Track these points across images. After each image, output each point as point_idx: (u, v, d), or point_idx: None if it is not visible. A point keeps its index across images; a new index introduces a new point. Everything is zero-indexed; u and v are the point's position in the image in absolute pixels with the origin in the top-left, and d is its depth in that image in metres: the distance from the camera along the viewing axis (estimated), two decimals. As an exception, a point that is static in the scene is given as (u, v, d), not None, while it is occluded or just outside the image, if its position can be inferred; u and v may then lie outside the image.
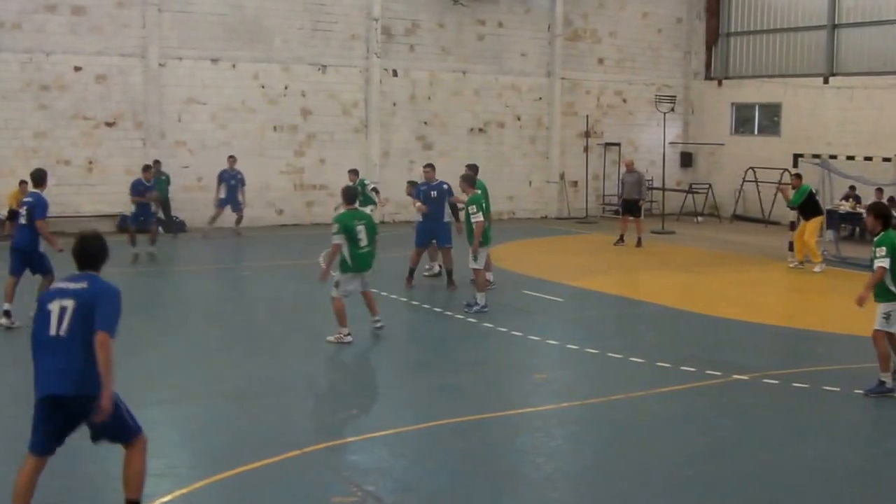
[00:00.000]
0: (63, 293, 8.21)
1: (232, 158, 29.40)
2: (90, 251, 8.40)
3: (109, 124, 29.93)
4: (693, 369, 14.35)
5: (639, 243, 28.73)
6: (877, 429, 12.13)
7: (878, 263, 12.94)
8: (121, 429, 8.45)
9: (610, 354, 15.36)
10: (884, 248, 12.94)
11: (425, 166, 22.22)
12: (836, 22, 35.43)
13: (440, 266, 22.09)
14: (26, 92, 28.81)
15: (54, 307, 8.11)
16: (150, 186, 25.67)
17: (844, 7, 35.25)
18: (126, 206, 29.08)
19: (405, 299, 19.91)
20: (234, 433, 11.41)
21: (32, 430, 8.29)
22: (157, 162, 29.23)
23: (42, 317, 8.14)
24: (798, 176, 26.05)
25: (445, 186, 21.48)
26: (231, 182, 29.13)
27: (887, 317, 13.12)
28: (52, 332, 8.04)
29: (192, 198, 30.78)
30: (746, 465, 10.56)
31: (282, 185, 32.45)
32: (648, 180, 38.03)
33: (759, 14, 38.67)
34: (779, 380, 13.91)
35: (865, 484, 10.29)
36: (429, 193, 21.35)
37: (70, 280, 8.33)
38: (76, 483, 9.75)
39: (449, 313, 18.54)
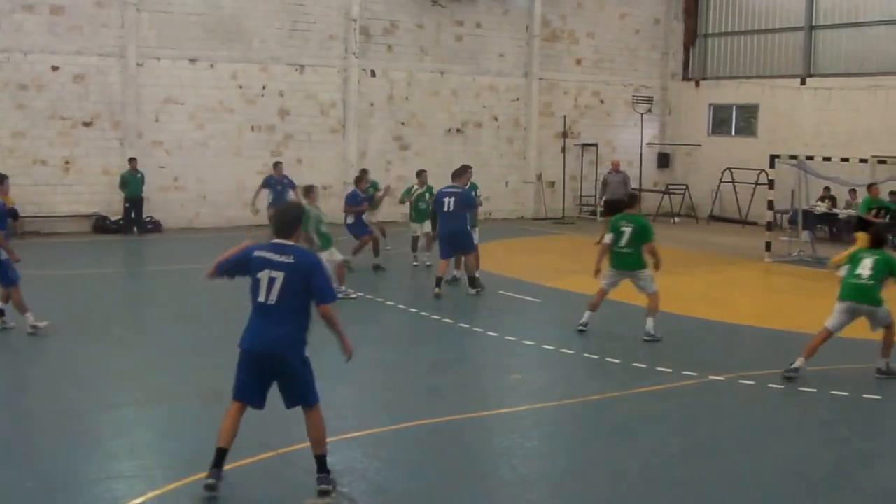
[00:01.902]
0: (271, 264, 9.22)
1: (279, 165, 28.82)
2: (286, 219, 9.43)
3: (87, 124, 29.83)
4: (669, 370, 14.38)
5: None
6: (852, 429, 12.16)
7: None
8: (309, 393, 9.68)
9: (586, 355, 15.41)
10: None
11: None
12: (814, 23, 35.61)
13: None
14: (3, 91, 28.70)
15: (263, 276, 9.23)
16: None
17: (822, 9, 35.42)
18: (101, 207, 29.14)
19: (380, 299, 19.89)
20: (208, 434, 11.34)
21: (235, 378, 9.74)
22: (132, 160, 29.20)
23: (253, 284, 9.38)
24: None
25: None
26: (278, 187, 28.63)
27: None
28: (262, 299, 9.32)
29: (168, 198, 30.73)
30: (722, 466, 10.59)
31: (259, 185, 32.31)
32: (626, 181, 38.22)
33: (736, 15, 38.81)
34: (755, 380, 13.96)
35: (840, 484, 10.33)
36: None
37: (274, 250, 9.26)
38: (45, 483, 9.70)
39: (425, 314, 18.53)
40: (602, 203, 31.33)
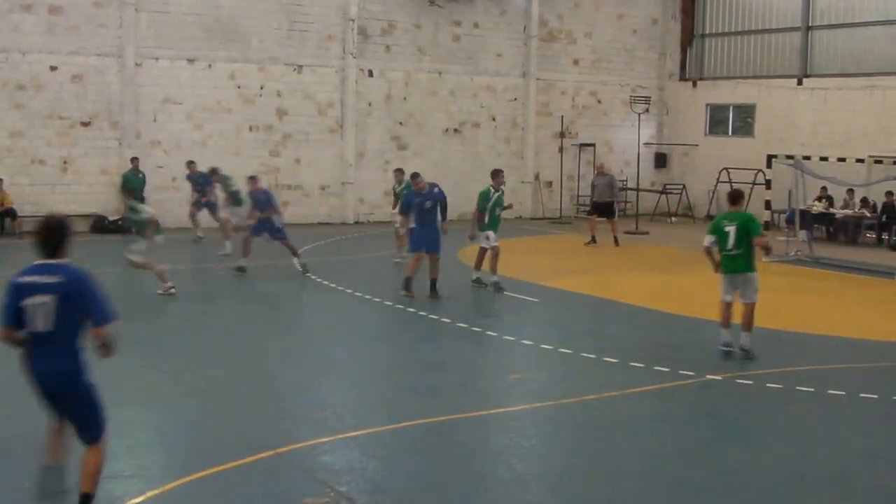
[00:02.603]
0: (38, 287, 8.15)
1: (255, 179, 28.40)
2: (51, 235, 8.28)
3: (85, 124, 29.86)
4: (667, 369, 14.41)
5: (616, 242, 29.00)
6: (850, 429, 12.18)
7: None
8: (93, 426, 8.73)
9: (584, 354, 15.42)
10: None
11: (414, 176, 21.65)
12: (810, 24, 35.67)
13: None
14: (2, 91, 28.73)
15: (33, 303, 8.13)
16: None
17: (818, 9, 35.47)
18: (99, 206, 29.19)
19: (378, 299, 19.91)
20: (206, 434, 11.40)
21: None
22: (134, 159, 29.25)
23: (24, 313, 8.23)
24: None
25: (437, 190, 20.89)
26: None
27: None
28: (36, 327, 8.23)
29: (166, 198, 30.71)
30: (719, 465, 10.61)
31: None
32: (623, 181, 38.20)
33: (733, 15, 38.86)
34: (752, 380, 13.99)
35: (838, 484, 10.33)
36: (423, 205, 20.44)
37: (39, 272, 8.21)
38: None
39: (423, 313, 18.55)
40: (591, 204, 31.41)
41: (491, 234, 21.04)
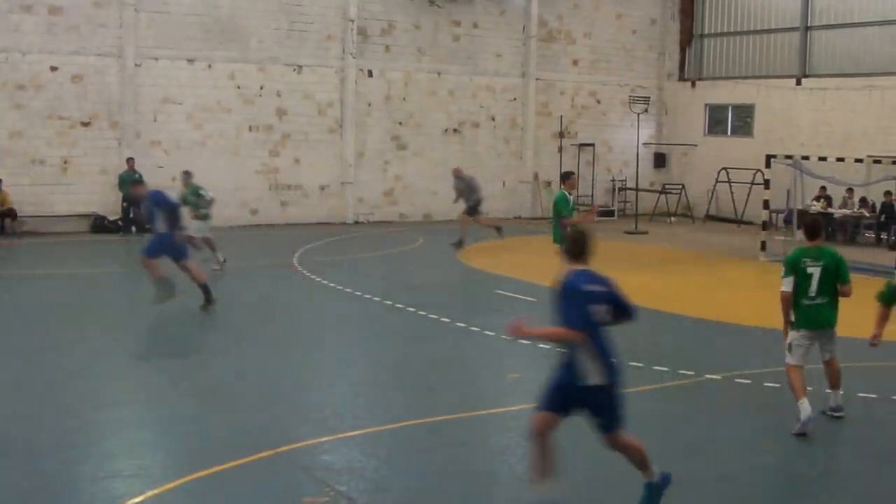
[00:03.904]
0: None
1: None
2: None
3: (85, 124, 29.89)
4: (666, 369, 14.44)
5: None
6: (848, 429, 12.21)
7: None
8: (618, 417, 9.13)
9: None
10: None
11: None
12: (809, 24, 35.70)
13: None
14: (2, 91, 28.77)
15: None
16: None
17: (817, 9, 35.51)
18: (100, 206, 29.22)
19: (378, 298, 19.93)
20: (206, 433, 11.43)
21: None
22: (130, 160, 29.28)
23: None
24: None
25: (160, 197, 19.33)
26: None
27: (789, 348, 12.21)
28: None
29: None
30: (718, 465, 10.64)
31: (256, 185, 32.45)
32: (622, 180, 38.37)
33: (732, 16, 38.90)
34: (751, 379, 14.02)
35: (836, 485, 10.37)
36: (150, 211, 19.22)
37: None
38: (44, 483, 9.75)
39: (422, 313, 18.58)
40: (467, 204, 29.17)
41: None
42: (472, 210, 28.32)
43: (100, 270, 23.97)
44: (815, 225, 12.43)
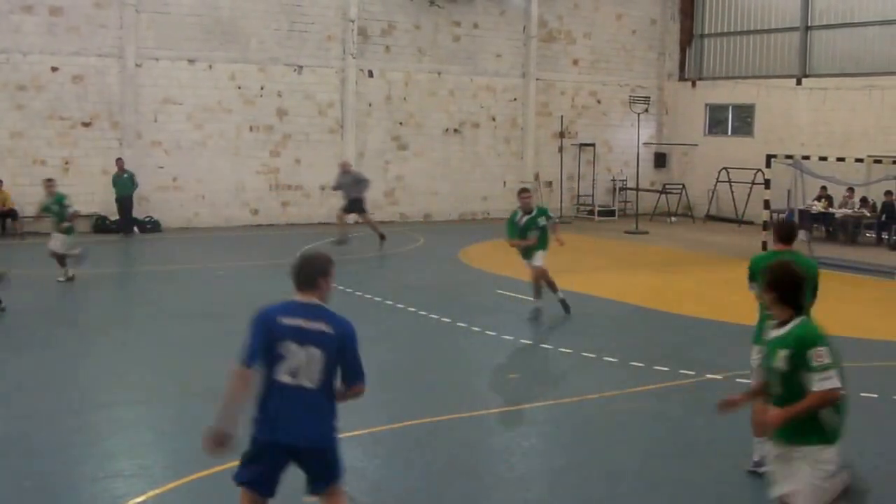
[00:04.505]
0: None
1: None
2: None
3: (86, 124, 29.90)
4: (666, 369, 14.45)
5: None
6: (850, 429, 12.19)
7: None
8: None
9: (583, 354, 15.45)
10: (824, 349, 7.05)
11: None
12: (809, 24, 35.71)
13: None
14: (3, 92, 28.78)
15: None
16: None
17: (817, 9, 35.53)
18: (101, 207, 29.24)
19: (379, 298, 19.94)
20: (201, 434, 11.44)
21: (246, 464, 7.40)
22: (119, 160, 29.25)
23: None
24: None
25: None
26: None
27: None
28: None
29: (166, 198, 30.81)
30: (718, 464, 10.66)
31: (257, 185, 32.46)
32: (622, 180, 38.36)
33: (732, 16, 38.91)
34: (752, 380, 14.02)
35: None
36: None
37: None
38: (45, 483, 9.77)
39: (423, 313, 18.60)
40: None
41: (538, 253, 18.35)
42: (351, 207, 27.73)
43: (100, 271, 23.97)
44: (790, 228, 10.89)
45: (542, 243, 18.27)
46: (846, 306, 20.91)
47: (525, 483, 10.18)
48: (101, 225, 29.82)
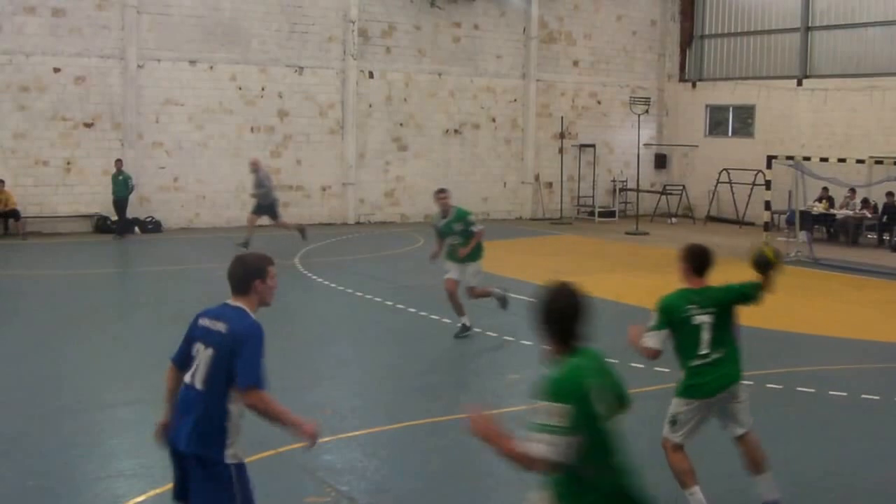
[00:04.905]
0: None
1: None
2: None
3: (88, 125, 29.94)
4: (667, 370, 14.43)
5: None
6: (851, 431, 12.22)
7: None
8: None
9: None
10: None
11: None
12: (810, 25, 35.71)
13: None
14: (5, 93, 28.83)
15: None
16: None
17: (818, 10, 35.54)
18: (102, 207, 29.26)
19: (379, 299, 19.96)
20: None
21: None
22: (118, 161, 29.25)
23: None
24: None
25: None
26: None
27: (674, 421, 9.18)
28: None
29: (168, 198, 30.86)
30: (718, 466, 10.66)
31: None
32: (623, 181, 38.34)
33: (733, 16, 38.93)
34: (752, 380, 13.99)
35: (838, 486, 10.36)
36: None
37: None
38: (47, 483, 9.79)
39: (423, 313, 18.61)
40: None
41: (451, 265, 17.11)
42: (261, 209, 27.27)
43: (101, 271, 24.01)
44: (705, 256, 9.22)
45: (472, 253, 17.00)
46: (846, 307, 20.95)
47: (526, 484, 10.15)
48: (102, 225, 29.85)
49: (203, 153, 31.19)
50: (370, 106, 34.34)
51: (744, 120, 38.52)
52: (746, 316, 19.26)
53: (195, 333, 6.97)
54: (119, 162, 29.23)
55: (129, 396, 12.86)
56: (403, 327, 18.19)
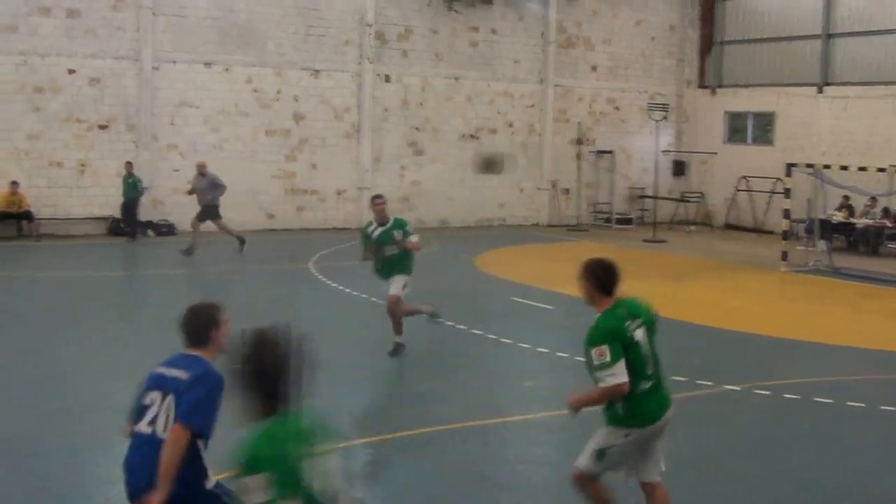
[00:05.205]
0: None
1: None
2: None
3: (102, 127, 29.86)
4: (684, 379, 14.25)
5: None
6: (868, 440, 12.05)
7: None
8: None
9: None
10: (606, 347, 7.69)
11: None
12: (831, 31, 35.44)
13: None
14: (20, 94, 28.73)
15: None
16: None
17: (838, 16, 35.27)
18: (116, 209, 29.18)
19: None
20: (219, 439, 11.32)
21: None
22: (128, 164, 29.12)
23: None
24: None
25: None
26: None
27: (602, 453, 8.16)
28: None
29: (182, 201, 30.68)
30: (732, 475, 10.51)
31: (273, 189, 32.36)
32: (640, 188, 38.11)
33: (752, 23, 38.67)
34: (770, 390, 13.84)
35: (854, 497, 10.22)
36: None
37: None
38: (52, 484, 9.67)
39: (440, 320, 18.41)
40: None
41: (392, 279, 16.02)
42: (204, 214, 26.48)
43: (110, 273, 23.92)
44: (613, 272, 8.05)
45: (403, 265, 15.96)
46: (866, 317, 20.73)
47: (537, 492, 10.05)
48: (116, 228, 29.73)
49: (218, 156, 31.02)
50: (386, 110, 34.19)
51: (763, 127, 38.26)
52: (766, 325, 19.10)
53: (149, 383, 6.74)
54: (129, 164, 29.10)
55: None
56: (418, 333, 18.00)
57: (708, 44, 40.13)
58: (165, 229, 30.21)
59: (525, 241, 31.70)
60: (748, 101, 38.38)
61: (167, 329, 17.83)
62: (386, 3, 33.72)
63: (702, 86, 40.31)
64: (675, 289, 23.44)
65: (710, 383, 14.08)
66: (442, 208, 35.10)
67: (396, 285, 15.66)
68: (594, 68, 38.27)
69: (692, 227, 37.43)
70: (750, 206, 36.46)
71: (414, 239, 16.02)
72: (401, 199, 34.11)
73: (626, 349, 7.72)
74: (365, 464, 10.57)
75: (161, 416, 6.51)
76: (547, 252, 29.92)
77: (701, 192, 38.87)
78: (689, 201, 38.43)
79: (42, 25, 28.86)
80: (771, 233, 33.35)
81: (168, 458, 6.29)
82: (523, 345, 16.54)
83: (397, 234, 15.66)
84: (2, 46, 28.45)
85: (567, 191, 37.76)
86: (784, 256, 26.58)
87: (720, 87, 39.74)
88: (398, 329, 15.77)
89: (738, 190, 36.68)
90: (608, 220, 37.52)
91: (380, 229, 15.70)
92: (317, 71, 32.84)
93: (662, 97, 38.75)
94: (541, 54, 36.93)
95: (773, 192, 34.07)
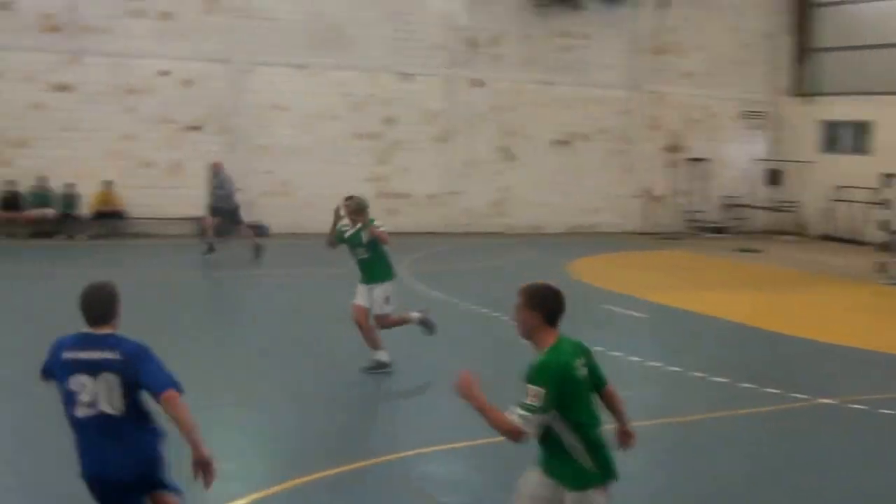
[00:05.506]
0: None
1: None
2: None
3: (194, 128, 30.10)
4: (777, 391, 13.95)
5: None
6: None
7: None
8: None
9: (692, 373, 15.02)
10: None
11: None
12: (932, 39, 34.70)
13: None
14: (113, 95, 29.09)
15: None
16: None
17: (942, 23, 34.52)
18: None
19: (486, 310, 19.62)
20: (304, 438, 11.27)
21: None
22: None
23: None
24: None
25: None
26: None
27: None
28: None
29: (274, 203, 30.89)
30: (827, 489, 10.22)
31: (364, 192, 32.01)
32: (734, 197, 37.61)
33: (849, 30, 37.88)
34: (867, 405, 13.47)
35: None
36: None
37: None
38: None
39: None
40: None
41: (359, 287, 14.81)
42: (216, 211, 26.28)
43: (200, 273, 24.06)
44: (558, 300, 7.06)
45: (379, 270, 14.80)
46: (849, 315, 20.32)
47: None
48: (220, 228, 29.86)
49: (308, 159, 31.15)
50: (477, 115, 34.07)
51: (861, 136, 37.48)
52: (860, 339, 18.63)
53: (68, 370, 6.58)
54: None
55: (219, 399, 12.65)
56: (506, 340, 17.78)
57: (803, 51, 39.45)
58: (258, 230, 30.29)
59: (617, 248, 31.40)
60: (845, 109, 37.59)
61: (254, 329, 17.90)
62: (478, 7, 33.62)
63: (797, 94, 39.63)
64: (771, 299, 23.03)
65: (804, 396, 13.73)
66: (533, 214, 34.89)
67: (377, 299, 14.44)
68: (687, 75, 37.78)
69: (787, 237, 36.81)
70: (846, 217, 35.76)
71: (380, 228, 15.12)
72: (492, 204, 34.02)
73: (574, 390, 6.68)
74: (456, 469, 10.43)
75: (101, 395, 6.52)
76: (639, 260, 29.62)
77: (796, 202, 38.22)
78: (783, 210, 37.81)
79: (135, 28, 29.19)
80: (868, 244, 32.64)
81: (184, 418, 6.51)
82: (615, 353, 16.28)
83: (365, 235, 14.90)
84: (95, 48, 28.84)
85: (659, 198, 37.35)
86: (881, 268, 26.00)
87: (816, 94, 39.00)
88: (373, 343, 14.33)
89: (835, 200, 35.99)
90: (701, 229, 37.03)
91: (353, 230, 15.20)
92: (407, 75, 32.81)
93: (757, 105, 38.20)
94: (633, 60, 36.58)
95: (870, 203, 33.37)
